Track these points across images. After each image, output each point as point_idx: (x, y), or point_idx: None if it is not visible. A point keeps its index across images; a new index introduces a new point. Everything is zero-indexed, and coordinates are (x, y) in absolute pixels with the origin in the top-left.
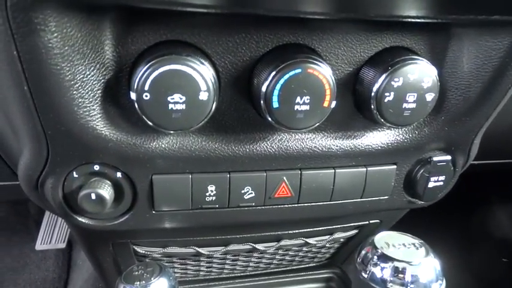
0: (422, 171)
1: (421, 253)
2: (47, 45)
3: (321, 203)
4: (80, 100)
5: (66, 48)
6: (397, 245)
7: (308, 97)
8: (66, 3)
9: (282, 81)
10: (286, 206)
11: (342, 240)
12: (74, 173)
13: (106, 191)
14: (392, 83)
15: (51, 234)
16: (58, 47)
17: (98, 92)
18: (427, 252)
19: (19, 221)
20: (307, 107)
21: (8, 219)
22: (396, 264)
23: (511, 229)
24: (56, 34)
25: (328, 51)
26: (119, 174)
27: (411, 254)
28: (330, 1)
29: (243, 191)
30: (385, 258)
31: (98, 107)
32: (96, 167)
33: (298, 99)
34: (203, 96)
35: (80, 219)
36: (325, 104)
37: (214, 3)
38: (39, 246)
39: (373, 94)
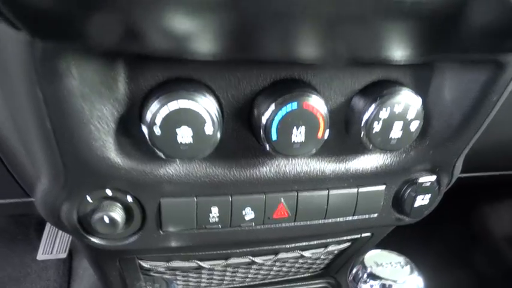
0: (409, 191)
1: (406, 271)
2: (69, 88)
3: (316, 221)
4: (96, 134)
5: (86, 89)
6: (384, 263)
7: (304, 128)
8: (87, 53)
9: (279, 115)
10: (283, 224)
11: (335, 252)
12: (88, 197)
13: (118, 214)
14: (381, 112)
15: (53, 245)
16: (79, 90)
17: (112, 125)
18: (412, 270)
19: (20, 231)
20: (302, 138)
21: (9, 229)
22: (383, 282)
23: (497, 245)
24: (77, 79)
25: (322, 84)
26: (129, 198)
27: (397, 272)
28: (324, 52)
29: (243, 212)
30: (373, 276)
31: (112, 139)
32: (109, 192)
33: (294, 131)
34: (209, 130)
35: (93, 239)
36: (319, 135)
37: (219, 54)
38: (40, 256)
39: (363, 123)
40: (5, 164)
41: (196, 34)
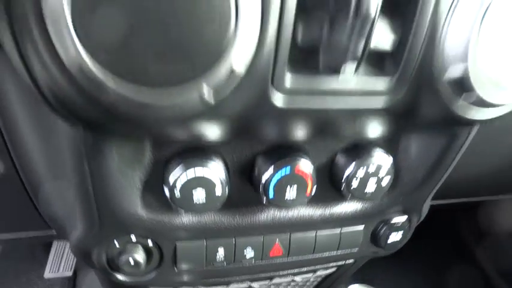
0: (384, 229)
1: None
2: (109, 163)
3: (306, 256)
4: (127, 194)
5: (122, 165)
6: None
7: (295, 187)
8: (123, 139)
9: (275, 178)
10: (278, 260)
11: (323, 275)
12: (116, 242)
13: (140, 256)
14: (358, 171)
15: (59, 263)
16: (117, 165)
17: (139, 186)
18: None
19: (27, 250)
20: (294, 195)
21: (16, 248)
22: None
23: (472, 271)
24: (116, 156)
25: (311, 148)
26: (150, 242)
27: None
28: (312, 138)
29: (245, 251)
30: None
31: (139, 198)
32: (133, 238)
33: (288, 189)
34: (218, 192)
35: (118, 276)
36: (308, 192)
37: (226, 141)
38: (47, 274)
39: (343, 179)
40: (34, 202)
41: (208, 135)
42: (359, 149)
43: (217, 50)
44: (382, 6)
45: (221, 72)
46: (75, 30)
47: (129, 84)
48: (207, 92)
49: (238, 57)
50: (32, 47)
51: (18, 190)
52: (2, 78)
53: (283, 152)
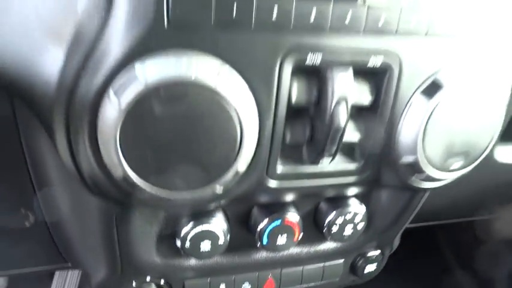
0: (361, 262)
1: None
2: (133, 224)
3: (294, 287)
4: (145, 245)
5: (143, 222)
6: None
7: (285, 235)
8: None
9: (269, 228)
10: None
11: None
12: (134, 282)
13: None
14: (337, 219)
15: (63, 286)
16: (139, 223)
17: (155, 238)
18: None
19: (29, 283)
20: (284, 241)
21: (19, 279)
22: None
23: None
24: (139, 218)
25: (298, 201)
26: (162, 281)
27: None
28: (297, 198)
29: (243, 286)
30: None
31: (153, 247)
32: (148, 278)
33: (279, 237)
34: (221, 242)
35: None
36: (295, 239)
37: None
38: None
39: (325, 225)
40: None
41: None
42: (338, 200)
43: (228, 163)
44: (351, 114)
45: (229, 175)
46: (122, 150)
47: (160, 189)
48: (218, 189)
49: (243, 162)
50: (82, 152)
51: (42, 232)
52: (39, 144)
53: (275, 205)
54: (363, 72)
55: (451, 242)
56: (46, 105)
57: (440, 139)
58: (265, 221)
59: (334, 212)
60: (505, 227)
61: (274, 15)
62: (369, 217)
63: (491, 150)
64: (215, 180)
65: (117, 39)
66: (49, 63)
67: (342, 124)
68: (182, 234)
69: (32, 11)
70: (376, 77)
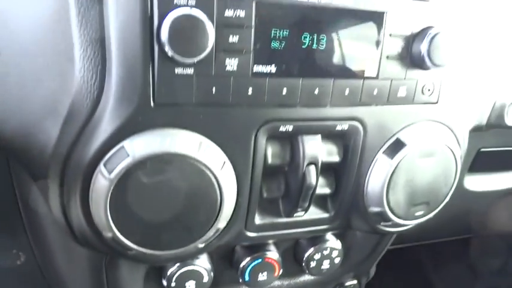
0: None
1: None
2: (121, 269)
3: None
4: (133, 286)
5: (131, 267)
6: None
7: (266, 272)
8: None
9: (250, 266)
10: None
11: None
12: None
13: None
14: (315, 255)
15: None
16: (127, 269)
17: (141, 281)
18: None
19: None
20: (265, 278)
21: None
22: None
23: None
24: (126, 265)
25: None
26: None
27: None
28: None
29: None
30: None
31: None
32: None
33: (260, 274)
34: (205, 280)
35: None
36: (275, 275)
37: None
38: None
39: (304, 260)
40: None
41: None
42: (315, 237)
43: (209, 223)
44: (323, 169)
45: (211, 233)
46: (111, 215)
47: (146, 249)
48: (200, 246)
49: (223, 220)
50: (74, 212)
51: (34, 276)
52: (31, 191)
53: (256, 245)
54: (332, 135)
55: (430, 260)
56: (40, 169)
57: (402, 192)
58: (247, 259)
59: (312, 249)
60: (481, 245)
61: (250, 93)
62: (345, 252)
63: (460, 180)
64: (198, 239)
65: (107, 118)
66: (45, 134)
67: (313, 183)
68: (168, 274)
69: (29, 85)
70: (343, 138)
